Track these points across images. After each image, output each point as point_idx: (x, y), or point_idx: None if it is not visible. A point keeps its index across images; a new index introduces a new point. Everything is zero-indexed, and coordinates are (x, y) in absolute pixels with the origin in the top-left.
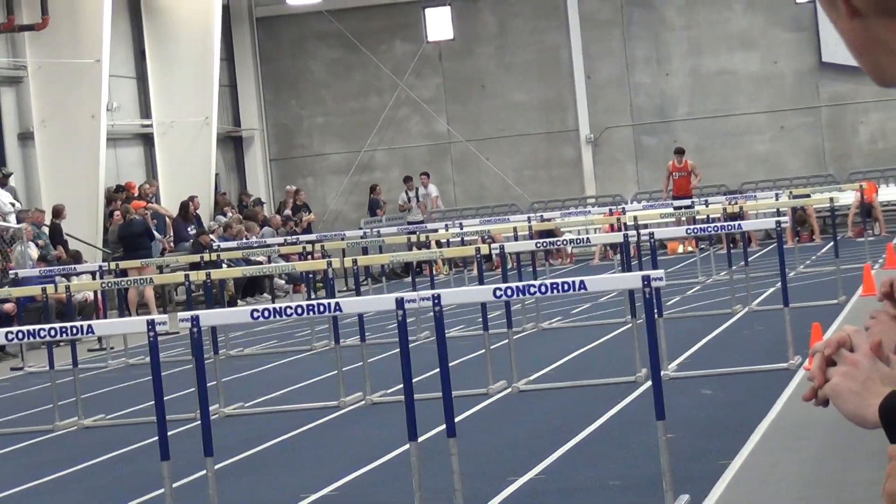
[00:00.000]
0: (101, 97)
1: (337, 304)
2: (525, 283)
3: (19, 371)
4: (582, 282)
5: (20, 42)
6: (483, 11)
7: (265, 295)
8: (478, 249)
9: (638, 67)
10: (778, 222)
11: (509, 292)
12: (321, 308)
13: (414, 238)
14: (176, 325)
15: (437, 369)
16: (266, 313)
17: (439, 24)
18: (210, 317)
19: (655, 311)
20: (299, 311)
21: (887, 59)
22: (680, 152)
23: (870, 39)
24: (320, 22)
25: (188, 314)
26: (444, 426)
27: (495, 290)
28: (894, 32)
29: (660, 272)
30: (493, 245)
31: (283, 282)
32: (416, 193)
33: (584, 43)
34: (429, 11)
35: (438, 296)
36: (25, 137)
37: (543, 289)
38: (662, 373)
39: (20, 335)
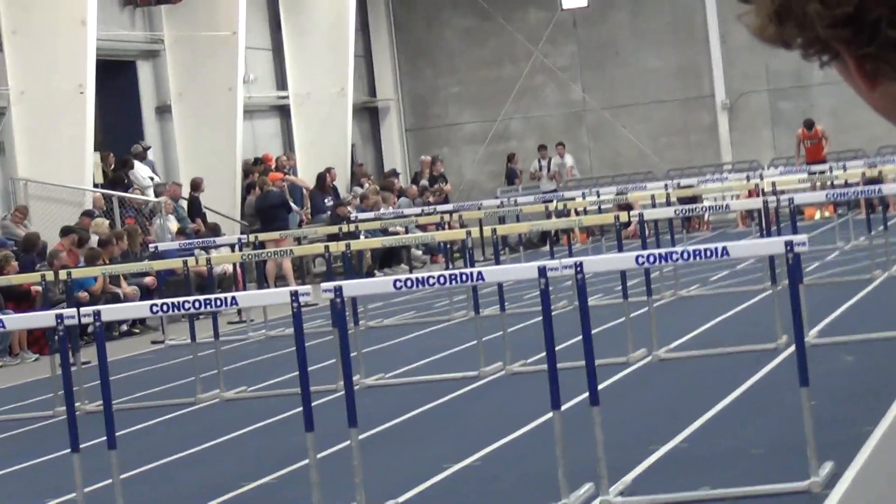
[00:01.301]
0: (238, 69)
1: (479, 273)
2: (667, 249)
3: (160, 344)
4: (724, 248)
5: (157, 15)
6: None
7: (403, 266)
8: (617, 217)
9: None
10: None
11: (651, 259)
12: (464, 277)
13: (551, 207)
14: (319, 296)
15: (577, 338)
16: (408, 283)
17: None
18: (353, 287)
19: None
20: (441, 280)
21: None
22: (809, 125)
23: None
24: None
25: (331, 285)
26: (584, 395)
27: (637, 257)
28: None
29: (803, 237)
30: (631, 212)
31: (420, 252)
32: (549, 163)
33: (720, 7)
34: None
35: (580, 263)
36: (163, 111)
37: (686, 255)
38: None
39: (165, 308)
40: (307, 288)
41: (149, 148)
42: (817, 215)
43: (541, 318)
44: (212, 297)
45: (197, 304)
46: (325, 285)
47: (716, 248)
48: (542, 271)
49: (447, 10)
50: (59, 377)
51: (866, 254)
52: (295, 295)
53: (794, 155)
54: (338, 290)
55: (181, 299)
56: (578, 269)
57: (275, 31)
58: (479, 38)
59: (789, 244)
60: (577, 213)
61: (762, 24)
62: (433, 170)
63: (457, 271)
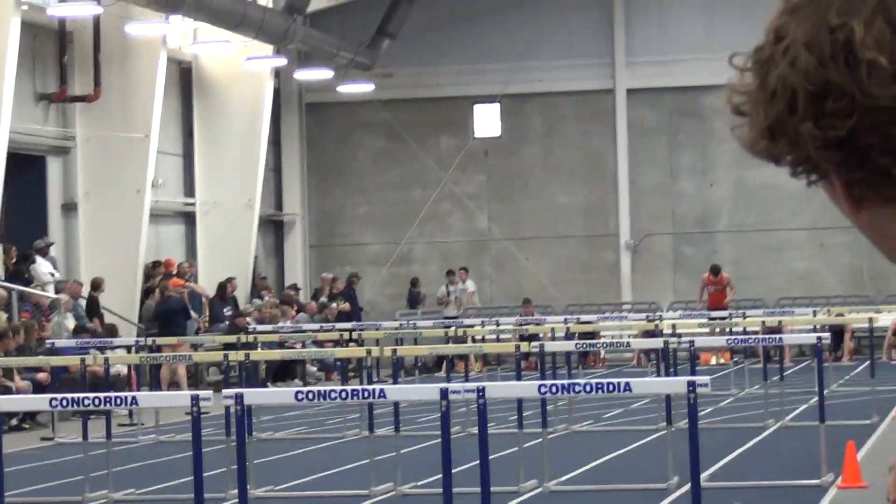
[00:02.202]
0: (147, 173)
1: (381, 390)
2: (569, 381)
3: (49, 441)
4: (627, 383)
5: (71, 113)
6: (531, 111)
7: (296, 381)
8: (517, 346)
9: (682, 176)
10: (819, 338)
11: (554, 389)
12: (365, 394)
13: (451, 332)
14: (219, 402)
15: (469, 464)
16: (310, 395)
17: (487, 121)
18: (254, 395)
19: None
20: (343, 395)
21: None
22: (715, 271)
23: (880, 231)
24: (369, 111)
25: (232, 391)
26: None
27: (540, 386)
28: None
29: (705, 378)
30: (532, 343)
31: (315, 369)
32: (456, 288)
33: (631, 149)
34: (477, 108)
35: (483, 388)
36: (69, 208)
37: (588, 388)
38: None
39: (64, 402)
40: (207, 393)
41: (51, 244)
42: (713, 360)
43: (433, 441)
44: (111, 395)
45: (96, 401)
46: (225, 392)
47: (618, 383)
48: (444, 393)
49: (360, 130)
50: None
51: (760, 402)
52: (196, 399)
53: (697, 299)
54: (238, 397)
55: (80, 395)
56: (481, 393)
57: (187, 138)
58: (390, 161)
59: (692, 384)
60: (475, 341)
61: (754, 138)
62: (333, 287)
63: (359, 387)
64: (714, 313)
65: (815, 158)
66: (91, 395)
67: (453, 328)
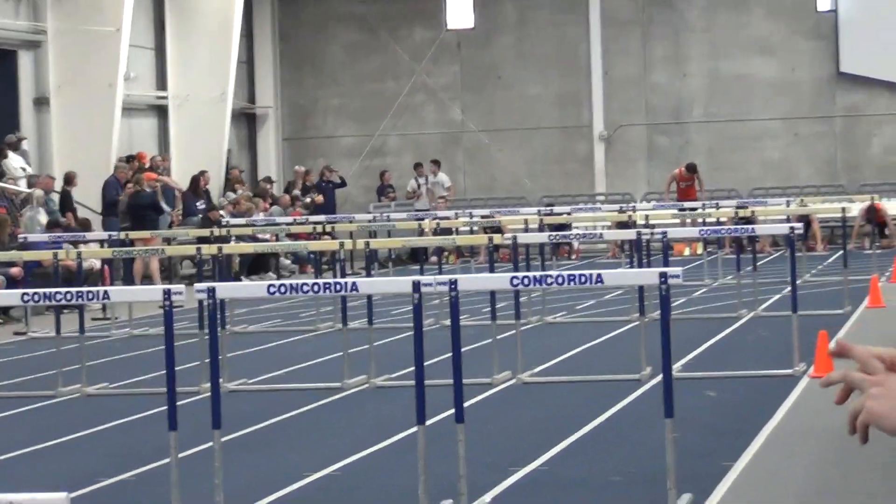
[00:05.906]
0: (119, 66)
1: (354, 283)
2: (541, 273)
3: (22, 336)
4: (598, 275)
5: (42, 6)
6: (504, 2)
7: (270, 274)
8: (490, 239)
9: (656, 67)
10: (792, 228)
11: (526, 281)
12: (338, 287)
13: (425, 224)
14: (191, 296)
15: (442, 356)
16: (282, 289)
17: (460, 12)
18: (226, 289)
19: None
20: (315, 288)
21: None
22: (692, 169)
23: None
24: (341, 3)
25: (204, 285)
26: (446, 413)
27: (512, 278)
28: None
29: (677, 269)
30: (505, 235)
31: (288, 262)
32: (426, 181)
33: (604, 39)
34: None
35: (455, 281)
36: (41, 102)
37: (560, 280)
38: None
39: (35, 297)
40: (180, 287)
41: (24, 139)
42: (686, 251)
43: (406, 334)
44: (83, 289)
45: (68, 296)
46: (197, 286)
47: (590, 275)
48: (417, 286)
49: (333, 22)
50: None
51: (733, 292)
52: (167, 293)
53: (664, 191)
54: (211, 291)
55: (52, 290)
56: (453, 286)
57: (158, 31)
58: (363, 53)
59: (663, 276)
60: (448, 234)
61: None
62: (306, 180)
63: (331, 280)
64: (687, 204)
65: None
66: (64, 289)
67: (427, 220)
